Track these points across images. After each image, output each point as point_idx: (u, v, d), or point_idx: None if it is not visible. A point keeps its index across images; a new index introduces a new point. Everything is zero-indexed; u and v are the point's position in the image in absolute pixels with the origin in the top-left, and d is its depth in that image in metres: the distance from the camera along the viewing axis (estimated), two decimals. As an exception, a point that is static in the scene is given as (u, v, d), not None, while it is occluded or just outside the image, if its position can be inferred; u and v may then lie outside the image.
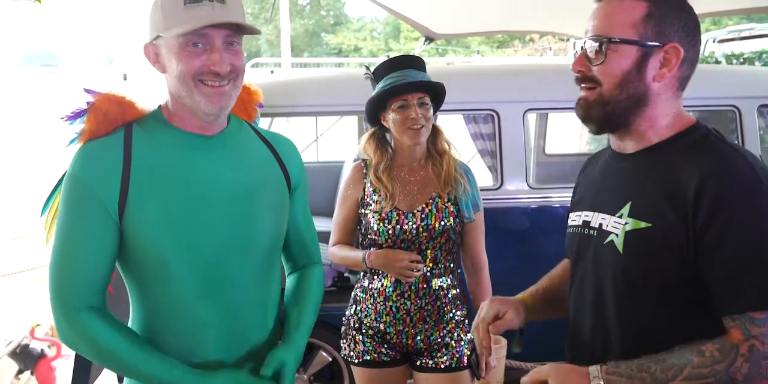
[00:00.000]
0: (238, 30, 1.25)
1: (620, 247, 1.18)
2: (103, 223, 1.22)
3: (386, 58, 2.06)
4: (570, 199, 1.46)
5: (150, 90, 1.36)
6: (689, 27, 1.16)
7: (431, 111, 1.94)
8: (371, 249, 2.00)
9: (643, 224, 1.15)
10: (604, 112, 1.19)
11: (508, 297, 1.43)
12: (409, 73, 1.92)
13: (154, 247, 1.24)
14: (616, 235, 1.19)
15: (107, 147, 1.25)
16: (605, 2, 1.19)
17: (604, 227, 1.23)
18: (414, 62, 1.99)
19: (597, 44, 1.16)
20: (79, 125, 1.29)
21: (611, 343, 1.23)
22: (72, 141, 1.30)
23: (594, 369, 1.10)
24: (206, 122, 1.30)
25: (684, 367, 1.05)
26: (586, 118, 1.23)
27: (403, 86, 1.89)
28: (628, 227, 1.17)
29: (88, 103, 1.30)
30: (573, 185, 1.49)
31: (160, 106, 1.34)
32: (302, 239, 1.55)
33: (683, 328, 1.13)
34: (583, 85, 1.21)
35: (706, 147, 1.16)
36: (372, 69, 2.02)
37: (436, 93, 1.96)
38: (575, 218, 1.34)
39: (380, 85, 1.95)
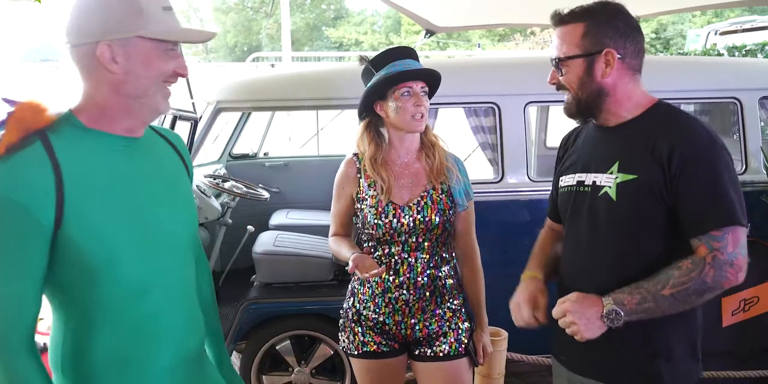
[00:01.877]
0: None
1: (614, 196, 1.52)
2: (40, 247, 1.16)
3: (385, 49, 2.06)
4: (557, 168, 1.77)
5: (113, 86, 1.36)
6: (622, 30, 1.52)
7: (427, 101, 1.96)
8: (369, 243, 2.00)
9: (630, 176, 1.50)
10: (578, 108, 1.57)
11: (531, 276, 1.69)
12: (410, 63, 1.95)
13: (98, 252, 1.21)
14: (610, 187, 1.53)
15: (33, 162, 1.16)
16: (558, 29, 1.56)
17: (597, 183, 1.56)
18: (412, 54, 2.01)
19: (560, 63, 1.56)
20: None
21: (604, 278, 1.52)
22: None
23: (611, 294, 1.44)
24: (142, 124, 1.33)
25: (668, 280, 1.41)
26: (569, 115, 1.61)
27: (412, 73, 1.91)
28: (618, 180, 1.52)
29: (8, 113, 1.23)
30: None
31: (71, 111, 1.27)
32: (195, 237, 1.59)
33: (662, 257, 1.47)
34: (560, 91, 1.60)
35: (671, 118, 1.54)
36: (367, 59, 2.01)
37: (432, 85, 1.99)
38: (568, 180, 1.66)
39: (382, 72, 1.95)
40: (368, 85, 1.98)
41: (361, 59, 2.03)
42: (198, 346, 1.45)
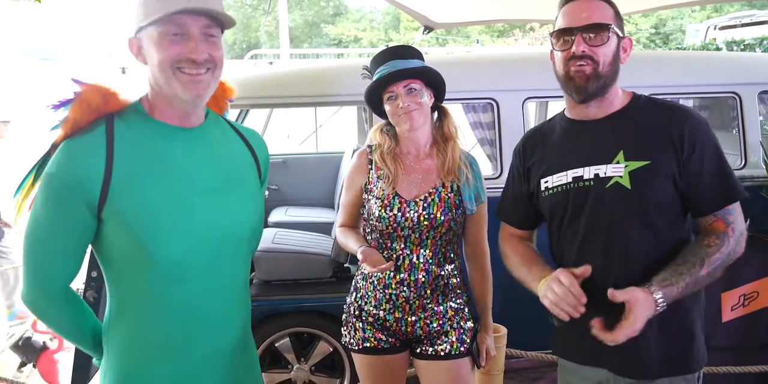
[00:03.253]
0: (217, 22, 1.29)
1: (627, 184, 1.50)
2: (79, 219, 1.27)
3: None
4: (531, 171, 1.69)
5: (147, 78, 1.38)
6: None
7: (423, 96, 1.92)
8: (372, 235, 2.00)
9: (641, 163, 1.50)
10: (598, 83, 1.52)
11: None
12: (393, 64, 1.92)
13: (132, 237, 1.27)
14: (621, 176, 1.51)
15: (91, 146, 1.27)
16: (585, 1, 1.53)
17: (601, 175, 1.53)
18: (399, 52, 1.97)
19: (599, 30, 1.49)
20: (63, 113, 1.31)
21: (620, 271, 1.52)
22: (54, 127, 1.32)
23: (649, 285, 1.42)
24: (184, 114, 1.34)
25: (703, 259, 1.43)
26: (582, 88, 1.52)
27: (384, 79, 1.90)
28: (629, 168, 1.50)
29: (75, 93, 1.32)
30: None
31: (140, 99, 1.36)
32: (255, 236, 1.57)
33: (678, 238, 1.53)
34: (580, 63, 1.50)
35: (661, 104, 1.59)
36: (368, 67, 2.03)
37: (426, 78, 1.95)
38: (558, 179, 1.60)
39: (374, 78, 1.96)
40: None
41: (363, 71, 2.05)
42: (236, 338, 1.44)
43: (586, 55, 1.50)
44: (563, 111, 1.71)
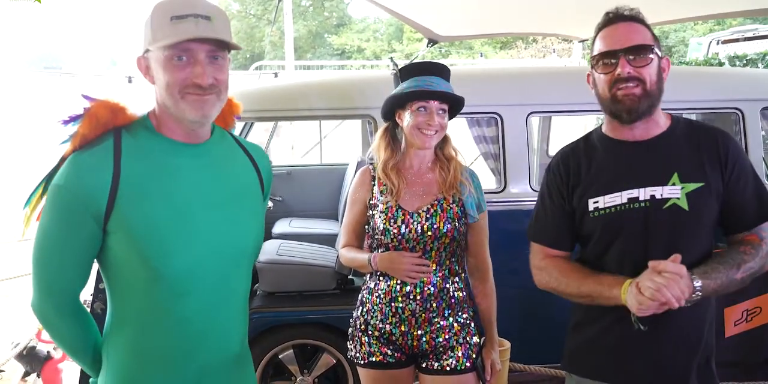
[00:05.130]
0: (222, 45, 1.31)
1: (686, 206, 1.53)
2: (86, 231, 1.29)
3: (399, 59, 2.10)
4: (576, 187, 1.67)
5: (155, 96, 1.41)
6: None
7: (446, 120, 1.99)
8: (378, 250, 2.01)
9: (697, 185, 1.54)
10: (648, 102, 1.55)
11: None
12: (434, 81, 1.97)
13: (136, 250, 1.29)
14: (678, 198, 1.54)
15: (98, 159, 1.30)
16: (624, 24, 1.56)
17: (657, 196, 1.55)
18: (442, 71, 2.04)
19: (642, 51, 1.53)
20: (73, 128, 1.35)
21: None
22: (64, 141, 1.36)
23: (690, 272, 1.43)
24: (191, 130, 1.36)
25: (740, 264, 1.49)
26: (633, 109, 1.55)
27: (429, 93, 1.95)
28: (686, 190, 1.54)
29: (84, 108, 1.35)
30: None
31: (148, 114, 1.39)
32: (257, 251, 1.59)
33: (710, 250, 1.56)
34: (627, 85, 1.53)
35: (700, 126, 1.65)
36: (399, 66, 2.10)
37: (454, 106, 2.01)
38: (611, 200, 1.59)
39: (405, 84, 1.99)
40: (392, 93, 2.01)
41: (392, 62, 2.09)
42: (234, 351, 1.47)
43: (632, 76, 1.53)
44: (599, 130, 1.69)
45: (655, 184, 1.56)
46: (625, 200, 1.58)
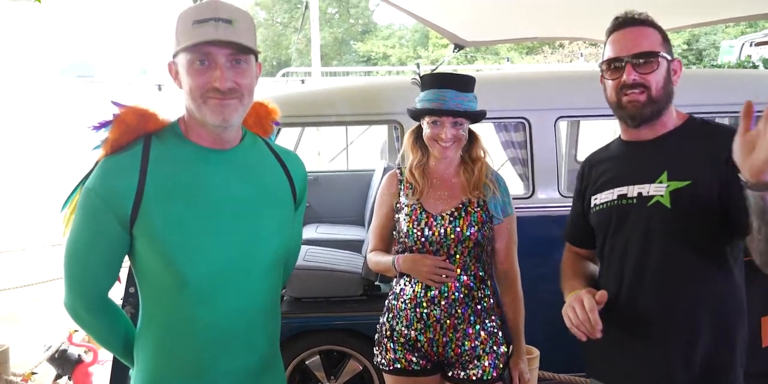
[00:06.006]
0: (245, 50, 1.30)
1: (667, 203, 1.52)
2: (112, 233, 1.32)
3: (426, 65, 2.09)
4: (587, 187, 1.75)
5: (183, 101, 1.42)
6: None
7: (465, 130, 1.97)
8: (404, 253, 2.00)
9: (683, 183, 1.51)
10: (651, 108, 1.55)
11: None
12: (447, 95, 1.93)
13: (161, 255, 1.31)
14: (662, 195, 1.53)
15: (125, 163, 1.32)
16: (632, 28, 1.56)
17: (644, 194, 1.56)
18: (459, 83, 1.98)
19: (648, 57, 1.53)
20: (104, 134, 1.37)
21: (658, 287, 1.52)
22: (96, 147, 1.38)
23: None
24: (217, 135, 1.37)
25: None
26: (637, 116, 1.56)
27: (436, 111, 1.93)
28: (670, 188, 1.52)
29: (114, 114, 1.38)
30: None
31: (178, 120, 1.41)
32: (287, 258, 1.58)
33: (718, 258, 1.51)
34: (632, 91, 1.54)
35: (714, 127, 1.61)
36: (420, 75, 2.08)
37: (472, 119, 1.99)
38: (605, 196, 1.65)
39: (422, 95, 1.99)
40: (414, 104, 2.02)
41: (417, 68, 2.09)
42: (263, 356, 1.47)
43: (637, 83, 1.54)
44: (620, 135, 1.73)
45: (643, 182, 1.58)
46: (615, 197, 1.62)
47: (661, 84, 1.54)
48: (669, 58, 1.56)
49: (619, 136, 1.73)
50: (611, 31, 1.60)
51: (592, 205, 1.70)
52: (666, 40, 1.58)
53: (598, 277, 1.72)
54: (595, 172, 1.73)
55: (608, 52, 1.59)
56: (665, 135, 1.61)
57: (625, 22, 1.58)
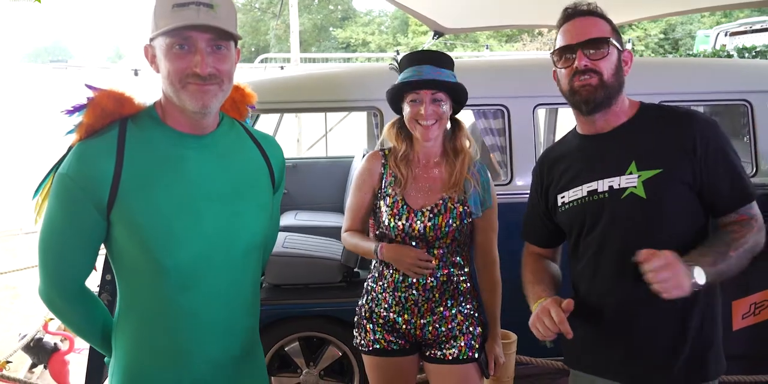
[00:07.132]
0: (225, 35, 1.28)
1: (642, 194, 1.52)
2: (89, 220, 1.29)
3: (405, 52, 2.07)
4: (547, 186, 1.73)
5: (160, 85, 1.40)
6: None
7: (445, 107, 1.93)
8: (384, 240, 2.01)
9: (654, 171, 1.51)
10: (604, 93, 1.55)
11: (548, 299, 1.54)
12: (424, 69, 1.92)
13: (139, 241, 1.29)
14: (635, 186, 1.53)
15: (101, 148, 1.29)
16: (581, 18, 1.58)
17: (615, 187, 1.55)
18: (434, 58, 1.96)
19: (599, 44, 1.55)
20: (78, 118, 1.34)
21: (640, 283, 1.40)
22: (69, 132, 1.35)
23: (684, 259, 1.37)
24: (195, 121, 1.34)
25: (729, 242, 1.46)
26: (591, 99, 1.56)
27: (413, 83, 1.90)
28: (642, 178, 1.52)
29: (88, 98, 1.34)
30: None
31: (154, 104, 1.38)
32: (265, 244, 1.57)
33: (698, 240, 1.51)
34: (584, 77, 1.55)
35: (671, 111, 1.60)
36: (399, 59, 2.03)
37: (453, 92, 1.95)
38: (574, 194, 1.63)
39: (399, 77, 1.97)
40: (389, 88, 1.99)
41: (397, 54, 2.06)
42: (243, 344, 1.46)
43: (589, 68, 1.55)
44: (575, 128, 1.73)
45: (613, 175, 1.56)
46: (585, 193, 1.61)
47: (612, 71, 1.55)
48: (619, 47, 1.58)
49: (574, 130, 1.72)
50: (561, 23, 1.61)
51: (559, 204, 1.67)
52: (615, 31, 1.60)
53: (572, 273, 1.70)
54: (557, 169, 1.71)
55: (559, 42, 1.60)
56: (623, 125, 1.61)
57: (574, 13, 1.59)
